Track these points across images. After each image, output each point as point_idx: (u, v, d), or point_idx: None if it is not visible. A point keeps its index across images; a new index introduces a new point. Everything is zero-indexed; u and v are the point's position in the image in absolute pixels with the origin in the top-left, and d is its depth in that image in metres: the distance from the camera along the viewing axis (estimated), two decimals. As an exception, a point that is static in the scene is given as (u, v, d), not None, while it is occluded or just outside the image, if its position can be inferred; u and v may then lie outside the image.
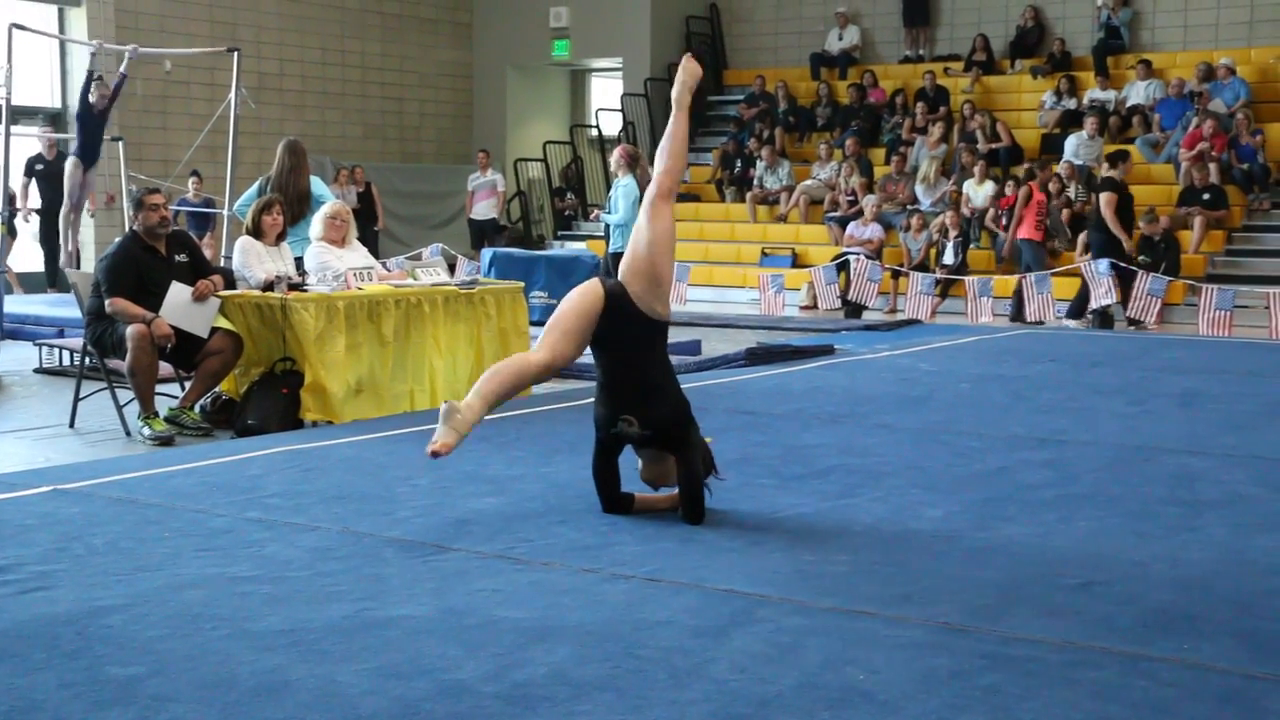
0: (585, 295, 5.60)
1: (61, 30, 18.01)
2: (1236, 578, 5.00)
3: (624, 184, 12.89)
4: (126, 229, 8.80)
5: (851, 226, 18.17)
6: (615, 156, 13.35)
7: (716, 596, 4.63)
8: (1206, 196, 17.19)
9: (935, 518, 5.88)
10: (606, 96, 24.34)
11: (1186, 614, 4.53)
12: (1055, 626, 4.35)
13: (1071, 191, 17.57)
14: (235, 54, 14.57)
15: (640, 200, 13.03)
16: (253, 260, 8.68)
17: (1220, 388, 10.28)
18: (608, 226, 13.14)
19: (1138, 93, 19.48)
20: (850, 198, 19.00)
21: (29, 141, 16.95)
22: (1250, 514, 6.06)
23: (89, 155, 14.65)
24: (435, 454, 5.33)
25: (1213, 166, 17.45)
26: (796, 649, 4.12)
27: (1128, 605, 4.61)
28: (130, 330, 7.80)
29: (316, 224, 9.17)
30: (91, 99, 14.44)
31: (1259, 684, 3.91)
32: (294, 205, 9.53)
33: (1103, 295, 15.58)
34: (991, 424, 8.43)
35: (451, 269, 10.70)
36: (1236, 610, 4.58)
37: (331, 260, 8.88)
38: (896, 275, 17.19)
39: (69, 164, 14.97)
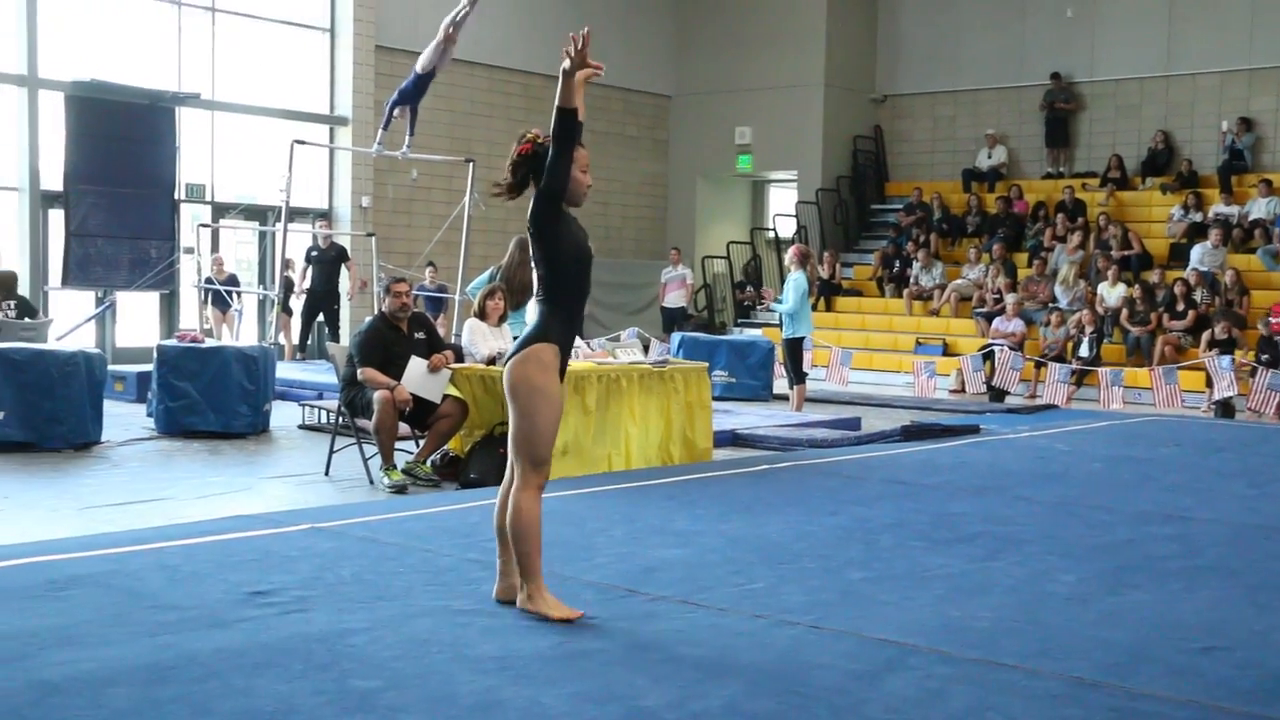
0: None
1: (331, 143, 18.68)
2: (1351, 648, 4.76)
3: (794, 278, 12.87)
4: (375, 310, 9.04)
5: (997, 321, 17.85)
6: (790, 255, 13.33)
7: (872, 644, 4.56)
8: (1322, 301, 16.51)
9: (1069, 582, 5.71)
10: (782, 203, 24.34)
11: (1305, 680, 4.32)
12: (1180, 685, 4.19)
13: (1197, 295, 17.05)
14: (470, 164, 14.95)
15: (808, 293, 13.09)
16: (478, 338, 8.85)
17: (1334, 474, 9.82)
18: (780, 315, 13.11)
19: (1259, 208, 18.85)
20: (996, 295, 18.67)
21: (304, 236, 17.57)
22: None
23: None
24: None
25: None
26: (943, 694, 4.03)
27: (1248, 669, 4.42)
28: (377, 395, 8.00)
29: (475, 305, 9.30)
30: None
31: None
32: (517, 293, 9.66)
33: (1225, 388, 15.06)
34: (1121, 500, 8.17)
35: (645, 349, 10.75)
36: (1351, 678, 4.36)
37: (482, 339, 8.98)
38: (1037, 365, 16.83)
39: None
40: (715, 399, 10.30)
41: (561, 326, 4.82)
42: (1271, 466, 10.28)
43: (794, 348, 12.95)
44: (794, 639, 4.60)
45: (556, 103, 4.70)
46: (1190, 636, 4.80)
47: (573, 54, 4.70)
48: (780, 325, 13.27)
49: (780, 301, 13.05)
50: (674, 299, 20.75)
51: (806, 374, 13.44)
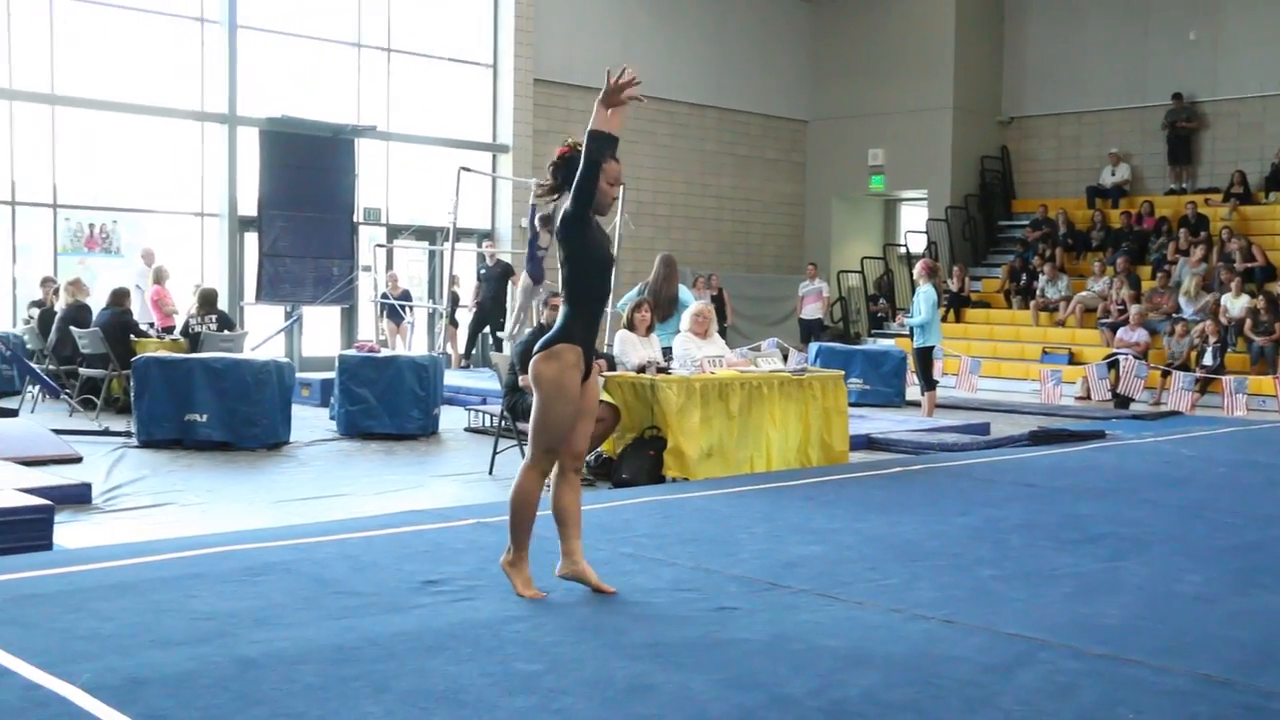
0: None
1: (494, 170, 18.98)
2: None
3: (924, 290, 12.68)
4: (535, 323, 9.14)
5: (1121, 331, 17.35)
6: (918, 269, 13.14)
7: (1003, 639, 4.46)
8: None
9: (1196, 582, 5.51)
10: (913, 220, 24.01)
11: None
12: (1309, 684, 4.01)
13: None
14: (620, 188, 15.02)
15: (937, 304, 12.88)
16: (628, 348, 8.90)
17: None
18: (911, 327, 12.92)
19: (1386, 219, 18.04)
20: (1120, 306, 18.15)
21: (469, 255, 17.86)
22: None
23: (537, 275, 14.75)
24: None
25: None
26: (1073, 689, 3.92)
27: (1378, 670, 4.21)
28: (537, 400, 8.06)
29: (686, 318, 9.33)
30: (538, 227, 14.64)
31: None
32: (664, 306, 9.69)
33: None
34: (1247, 504, 7.86)
35: (785, 358, 10.69)
36: None
37: (693, 349, 9.01)
38: (1162, 373, 16.31)
39: (522, 279, 14.81)
40: (851, 405, 10.18)
41: (584, 329, 4.82)
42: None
43: (924, 356, 12.76)
44: (928, 633, 4.52)
45: (589, 125, 4.74)
46: (1319, 637, 4.60)
47: (609, 84, 4.73)
48: (911, 336, 13.09)
49: (911, 316, 12.87)
50: (811, 311, 20.60)
51: (937, 381, 13.22)
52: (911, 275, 20.51)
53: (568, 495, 4.92)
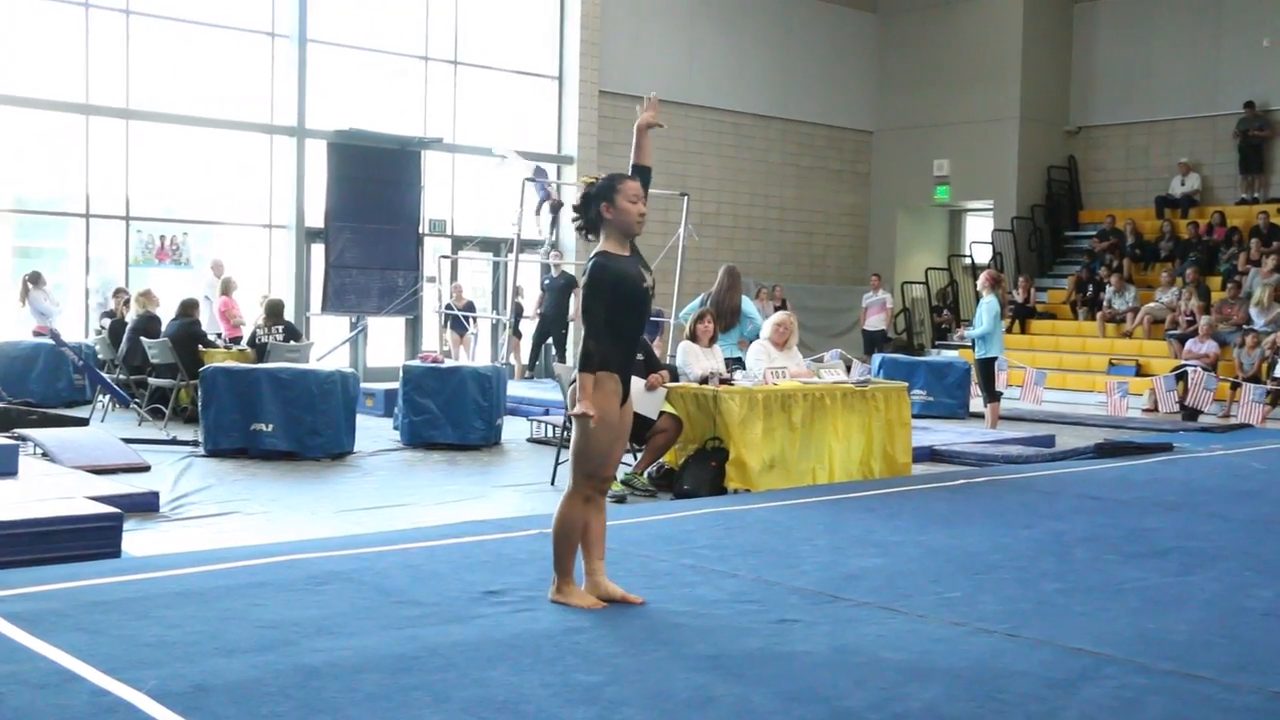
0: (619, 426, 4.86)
1: (558, 179, 19.07)
2: None
3: (987, 301, 12.55)
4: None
5: (1190, 342, 17.07)
6: (982, 279, 13.01)
7: (1067, 653, 4.39)
8: None
9: (1267, 598, 5.39)
10: (979, 231, 23.79)
11: None
12: (1383, 704, 3.91)
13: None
14: (685, 198, 15.06)
15: (1000, 315, 12.74)
16: (691, 359, 8.89)
17: None
18: (973, 339, 12.78)
19: None
20: (1189, 318, 17.86)
21: (532, 267, 17.95)
22: None
23: None
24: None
25: None
26: (1138, 704, 3.85)
27: None
28: (599, 412, 8.06)
29: (768, 327, 9.31)
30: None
31: None
32: (726, 317, 9.67)
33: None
34: (1320, 518, 7.69)
35: (848, 370, 10.62)
36: None
37: (765, 359, 8.99)
38: (1232, 386, 16.01)
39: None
40: (914, 416, 10.10)
41: (622, 356, 4.80)
42: None
43: (986, 368, 12.63)
44: (991, 646, 4.47)
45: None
46: (1395, 656, 4.48)
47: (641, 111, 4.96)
48: (973, 347, 12.95)
49: (973, 327, 12.74)
50: (875, 322, 20.48)
51: (1001, 393, 13.07)
52: (975, 286, 20.34)
53: (594, 518, 4.93)
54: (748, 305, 10.18)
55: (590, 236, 4.91)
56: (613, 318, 4.73)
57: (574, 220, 4.93)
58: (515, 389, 13.63)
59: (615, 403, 4.80)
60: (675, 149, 20.65)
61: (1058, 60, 22.52)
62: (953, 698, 3.86)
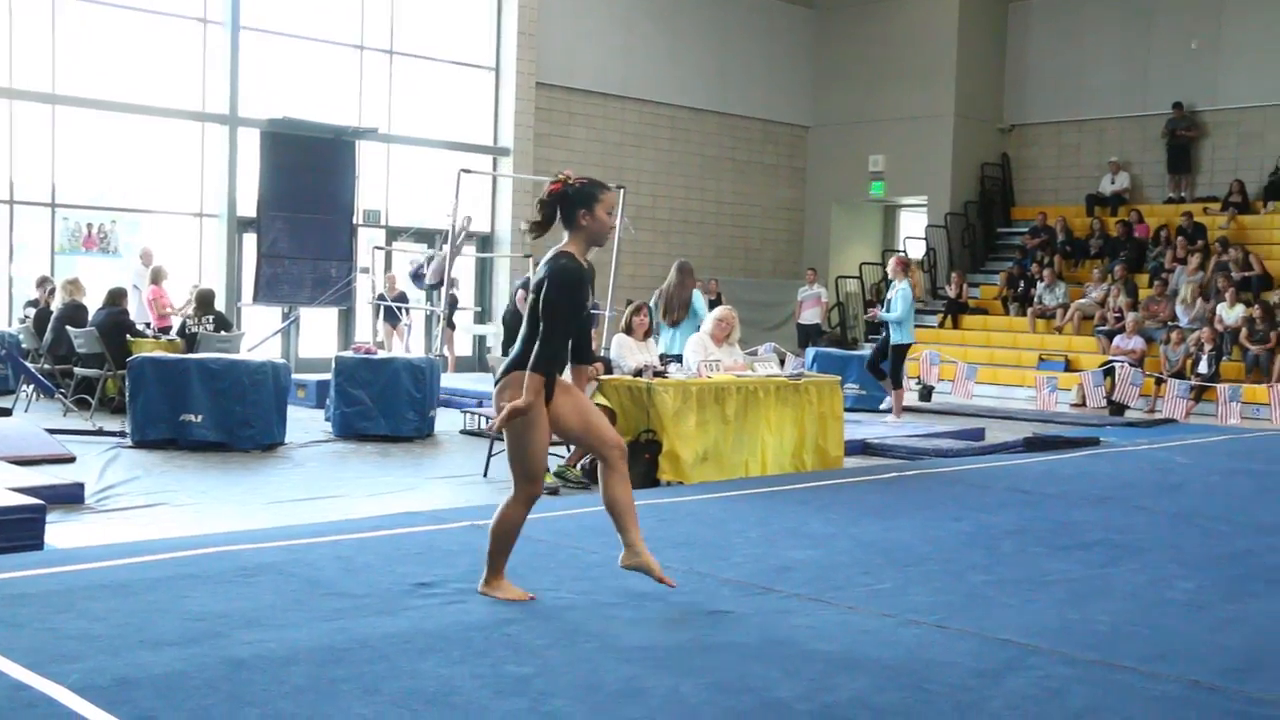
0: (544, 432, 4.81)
1: (494, 171, 19.00)
2: None
3: (902, 287, 12.69)
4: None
5: (1117, 339, 17.36)
6: (892, 265, 13.12)
7: (994, 644, 4.46)
8: None
9: (1188, 589, 5.52)
10: (913, 226, 24.02)
11: None
12: (1297, 692, 4.02)
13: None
14: (621, 190, 15.05)
15: (913, 301, 12.84)
16: (625, 352, 8.90)
17: None
18: (886, 324, 12.90)
19: (1382, 230, 18.05)
20: (1117, 314, 18.16)
21: (468, 259, 17.85)
22: None
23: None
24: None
25: None
26: (1063, 694, 3.92)
27: (1366, 678, 4.22)
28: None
29: (709, 321, 9.34)
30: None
31: None
32: (675, 311, 9.70)
33: None
34: (1239, 511, 7.87)
35: (782, 363, 10.68)
36: None
37: (701, 353, 9.01)
38: (1157, 381, 16.31)
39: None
40: (846, 410, 10.18)
41: (564, 359, 4.81)
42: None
43: (899, 354, 12.74)
44: (919, 637, 4.53)
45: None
46: (1308, 645, 4.60)
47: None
48: (886, 333, 13.00)
49: (889, 311, 12.83)
50: (809, 316, 20.61)
51: (904, 382, 13.24)
52: (913, 279, 20.52)
53: (618, 486, 4.86)
54: (699, 301, 10.21)
55: (535, 235, 4.86)
56: (570, 320, 4.71)
57: (537, 215, 4.81)
58: (448, 380, 13.56)
59: (542, 403, 4.71)
60: (611, 142, 20.66)
61: (992, 58, 22.79)
62: (881, 688, 3.91)
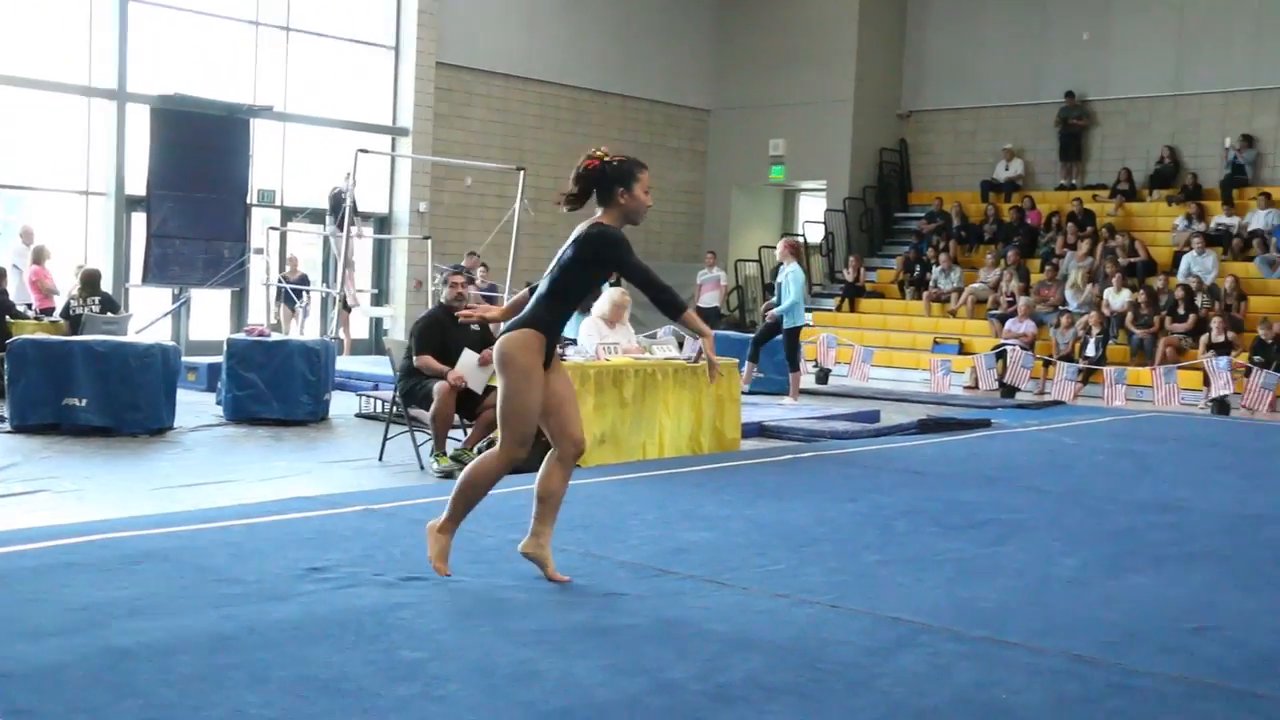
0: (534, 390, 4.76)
1: (393, 151, 18.77)
2: (1336, 632, 4.70)
3: (791, 270, 12.74)
4: (430, 306, 9.04)
5: (1010, 322, 17.72)
6: (781, 248, 13.15)
7: (885, 623, 4.53)
8: (1317, 306, 16.30)
9: (1072, 566, 5.67)
10: (812, 211, 24.25)
11: (1290, 661, 4.27)
12: (1172, 663, 4.15)
13: (1198, 300, 16.89)
14: (521, 172, 14.98)
15: (806, 283, 12.89)
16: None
17: (1326, 469, 9.70)
18: (781, 313, 12.83)
19: (1258, 219, 18.60)
20: (1009, 299, 18.53)
21: (365, 242, 17.62)
22: (1350, 578, 5.70)
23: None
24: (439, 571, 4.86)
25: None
26: (951, 669, 4.00)
27: (1235, 649, 4.37)
28: (439, 385, 7.98)
29: (603, 303, 9.30)
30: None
31: (1354, 726, 3.67)
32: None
33: (1221, 386, 14.91)
34: (1122, 490, 8.10)
35: (680, 346, 10.72)
36: (1336, 661, 4.30)
37: (596, 336, 9.00)
38: (1046, 364, 16.69)
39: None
40: (744, 393, 10.26)
41: (558, 322, 4.85)
42: (1263, 461, 10.17)
43: (793, 337, 12.83)
44: (812, 617, 4.58)
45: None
46: (1183, 618, 4.75)
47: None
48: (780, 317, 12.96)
49: (780, 300, 12.83)
50: (708, 299, 20.73)
51: (801, 364, 13.32)
52: (808, 265, 20.74)
53: (558, 480, 4.90)
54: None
55: (572, 208, 4.87)
56: (584, 287, 4.80)
57: (572, 188, 4.82)
58: (344, 363, 13.39)
59: (540, 362, 4.74)
60: (512, 123, 20.53)
61: (891, 45, 23.07)
62: (774, 668, 3.95)
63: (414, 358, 8.22)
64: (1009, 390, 16.15)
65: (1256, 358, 15.24)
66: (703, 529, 6.15)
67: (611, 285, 10.34)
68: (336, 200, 15.01)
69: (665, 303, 4.80)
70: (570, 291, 4.82)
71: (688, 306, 4.84)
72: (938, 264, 20.29)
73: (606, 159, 4.79)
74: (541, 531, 4.91)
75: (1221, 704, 3.77)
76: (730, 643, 4.19)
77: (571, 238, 4.81)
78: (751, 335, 14.52)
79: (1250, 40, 19.78)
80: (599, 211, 4.81)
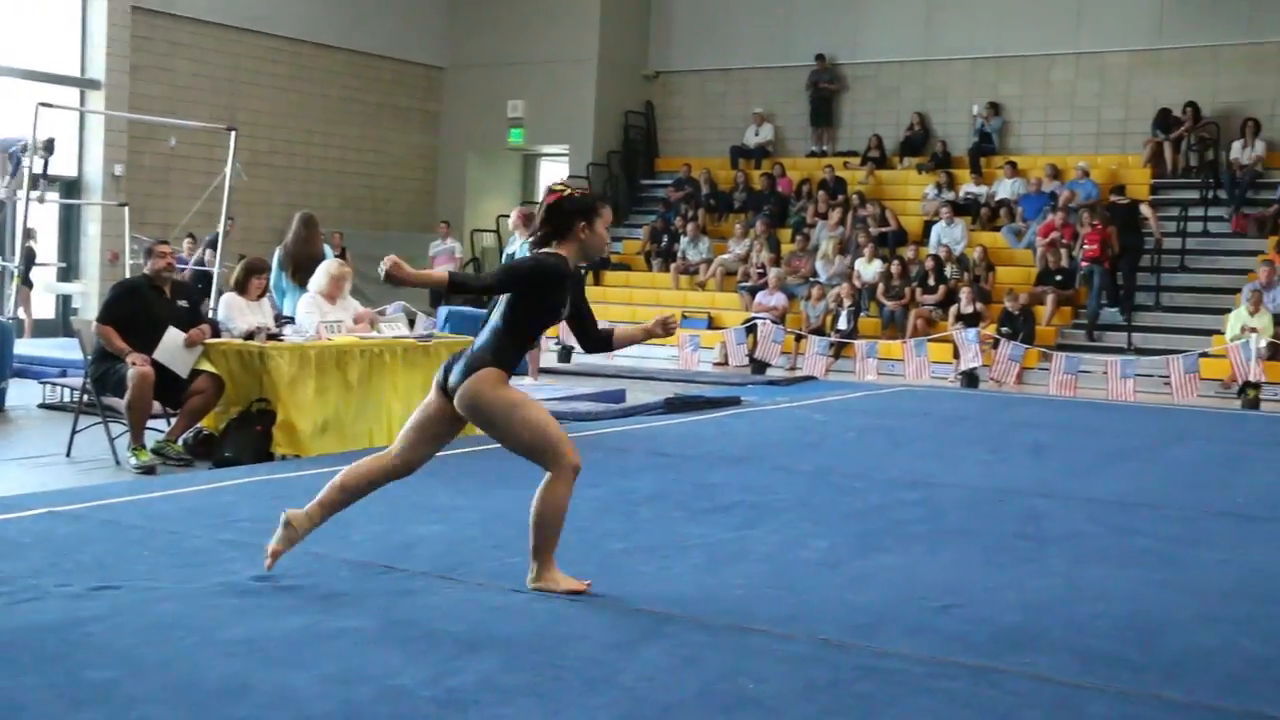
0: (428, 404, 5.04)
1: (82, 106, 17.83)
2: (1072, 602, 5.04)
3: (524, 242, 12.68)
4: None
5: (760, 295, 18.24)
6: (514, 217, 13.08)
7: (629, 615, 4.60)
8: (1059, 278, 17.38)
9: (822, 548, 5.88)
10: (554, 177, 24.36)
11: (1029, 633, 4.56)
12: (919, 643, 4.36)
13: (947, 270, 17.79)
14: (232, 133, 14.47)
15: None
16: (235, 313, 8.57)
17: (1065, 440, 10.39)
18: None
19: (1005, 188, 19.73)
20: (760, 270, 19.08)
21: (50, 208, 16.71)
22: (1086, 548, 6.13)
23: None
24: (268, 563, 4.88)
25: (1064, 252, 17.65)
26: (697, 661, 4.09)
27: (981, 625, 4.63)
28: (133, 372, 7.62)
29: (320, 276, 9.06)
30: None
31: (1086, 692, 3.95)
32: (303, 270, 9.39)
33: (970, 359, 15.76)
34: (873, 467, 8.46)
35: (411, 324, 10.58)
36: (1071, 630, 4.62)
37: (316, 313, 8.78)
38: (797, 338, 17.26)
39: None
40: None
41: (515, 356, 4.92)
42: (1009, 434, 10.80)
43: None
44: (552, 612, 4.60)
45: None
46: (930, 596, 5.00)
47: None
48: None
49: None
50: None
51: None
52: (509, 225, 20.76)
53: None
54: (329, 255, 9.93)
55: (543, 249, 4.90)
56: (540, 319, 4.90)
57: (540, 229, 4.91)
58: (24, 347, 12.64)
59: (511, 387, 4.87)
60: (223, 77, 19.82)
61: (637, 2, 23.33)
62: (510, 668, 3.95)
63: (97, 328, 7.83)
64: (760, 366, 16.64)
65: (1004, 329, 16.17)
66: (434, 521, 6.11)
67: (338, 257, 10.13)
68: (11, 158, 14.14)
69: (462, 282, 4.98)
70: (524, 327, 4.89)
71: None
72: (686, 234, 20.68)
73: (567, 192, 4.93)
74: (546, 561, 4.93)
75: (966, 681, 3.98)
76: (463, 643, 4.17)
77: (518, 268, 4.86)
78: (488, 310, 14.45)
79: (996, 6, 20.93)
80: (553, 244, 4.89)
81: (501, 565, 5.27)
